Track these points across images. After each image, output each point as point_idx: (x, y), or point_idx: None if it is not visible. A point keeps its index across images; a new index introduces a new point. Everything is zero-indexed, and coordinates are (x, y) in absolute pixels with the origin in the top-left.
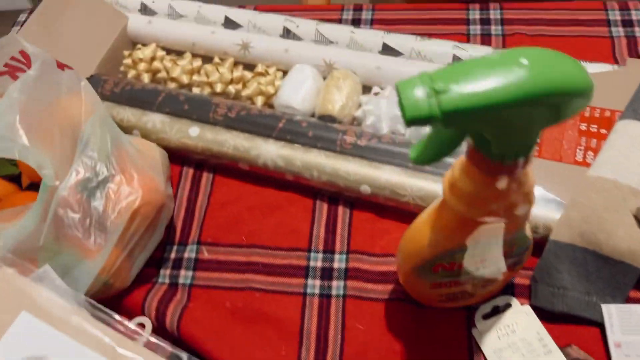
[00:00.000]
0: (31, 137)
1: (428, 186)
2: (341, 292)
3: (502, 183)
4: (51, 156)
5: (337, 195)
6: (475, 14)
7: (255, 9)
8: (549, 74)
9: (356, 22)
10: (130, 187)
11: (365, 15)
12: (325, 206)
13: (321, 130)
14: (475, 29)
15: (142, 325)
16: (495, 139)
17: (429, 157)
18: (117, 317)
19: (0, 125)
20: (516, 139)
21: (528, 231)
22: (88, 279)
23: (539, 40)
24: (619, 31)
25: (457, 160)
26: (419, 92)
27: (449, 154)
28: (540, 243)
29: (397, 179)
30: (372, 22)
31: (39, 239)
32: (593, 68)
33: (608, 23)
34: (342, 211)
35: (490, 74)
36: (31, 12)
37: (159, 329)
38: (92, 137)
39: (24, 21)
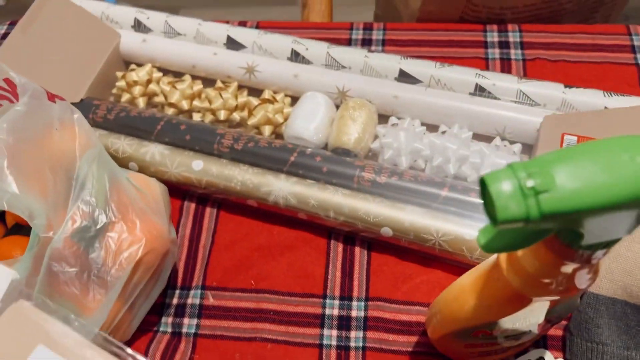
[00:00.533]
0: (21, 182)
1: (456, 230)
2: (360, 344)
3: (573, 267)
4: (43, 202)
5: (353, 234)
6: (493, 36)
7: (257, 25)
8: None
9: (367, 42)
10: (132, 236)
11: (377, 35)
12: (340, 246)
13: (336, 165)
14: (494, 52)
15: None
16: (588, 235)
17: (503, 246)
18: (129, 350)
19: None
20: (611, 233)
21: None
22: (87, 336)
23: (561, 65)
24: None
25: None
26: (512, 189)
27: (526, 246)
28: None
29: (421, 222)
30: (384, 43)
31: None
32: (622, 102)
33: (633, 49)
34: (359, 252)
35: (595, 169)
36: (12, 22)
37: None
38: (89, 178)
39: (4, 34)
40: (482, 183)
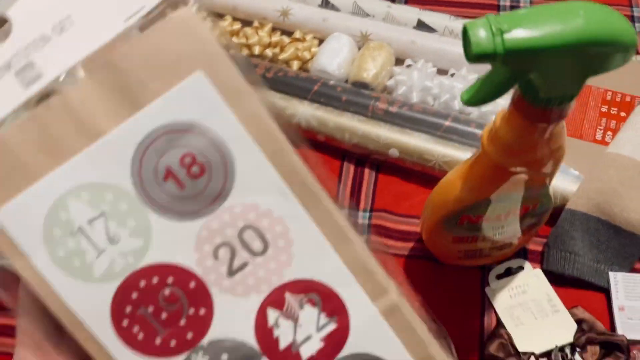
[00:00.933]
0: None
1: (454, 153)
2: None
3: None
4: None
5: (364, 157)
6: (506, 0)
7: None
8: (602, 25)
9: None
10: None
11: None
12: (352, 168)
13: (354, 96)
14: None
15: None
16: (544, 83)
17: (480, 98)
18: None
19: None
20: (562, 84)
21: (551, 191)
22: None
23: None
24: None
25: (498, 112)
26: (485, 31)
27: (498, 97)
28: (556, 213)
29: (425, 145)
30: (406, 1)
31: None
32: None
33: (632, 19)
34: (368, 173)
35: (550, 20)
36: None
37: None
38: None
39: None
40: (464, 29)
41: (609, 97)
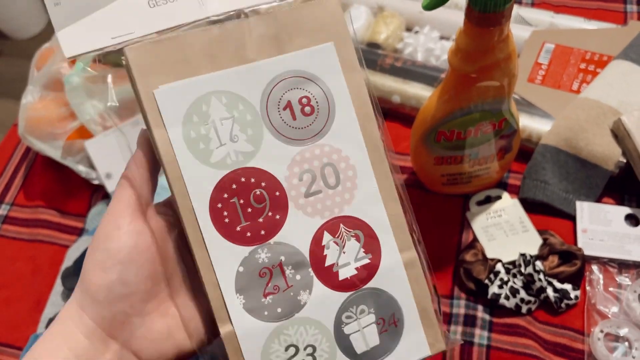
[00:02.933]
0: None
1: None
2: None
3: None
4: None
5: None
6: None
7: None
8: None
9: None
10: None
11: None
12: None
13: (366, 54)
14: None
15: None
16: None
17: (435, 3)
18: None
19: None
20: None
21: (514, 111)
22: None
23: (561, 9)
24: (632, 8)
25: (457, 31)
26: None
27: (445, 2)
28: (533, 152)
29: (422, 93)
30: None
31: None
32: (601, 25)
33: (624, 1)
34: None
35: None
36: None
37: None
38: None
39: None
40: None
41: (588, 57)
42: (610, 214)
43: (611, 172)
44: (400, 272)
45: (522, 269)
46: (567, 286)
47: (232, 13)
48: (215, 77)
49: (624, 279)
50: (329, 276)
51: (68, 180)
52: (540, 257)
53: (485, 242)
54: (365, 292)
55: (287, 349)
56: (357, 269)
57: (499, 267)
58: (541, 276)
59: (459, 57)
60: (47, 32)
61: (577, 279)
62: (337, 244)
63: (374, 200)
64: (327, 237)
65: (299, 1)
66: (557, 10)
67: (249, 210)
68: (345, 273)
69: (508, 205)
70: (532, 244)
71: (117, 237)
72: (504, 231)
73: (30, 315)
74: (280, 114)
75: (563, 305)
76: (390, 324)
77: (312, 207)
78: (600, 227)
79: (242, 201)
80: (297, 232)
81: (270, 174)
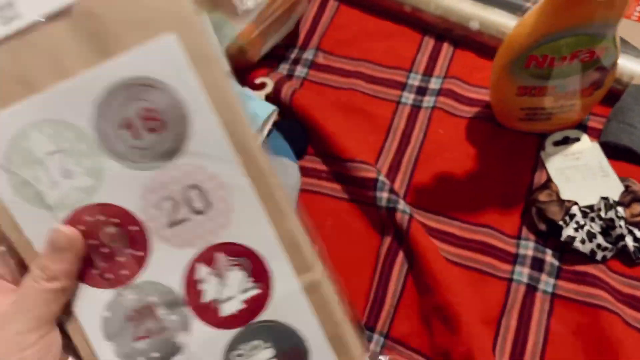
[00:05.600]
0: None
1: None
2: (431, 104)
3: None
4: None
5: (445, 33)
6: None
7: None
8: None
9: None
10: None
11: None
12: (432, 41)
13: None
14: None
15: (264, 85)
16: None
17: None
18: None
19: None
20: None
21: (617, 42)
22: (229, 39)
23: None
24: None
25: None
26: None
27: None
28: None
29: (503, 20)
30: None
31: None
32: None
33: None
34: (446, 47)
35: None
36: None
37: (275, 99)
38: None
39: None
40: None
41: None
42: None
43: None
44: (298, 298)
45: (603, 214)
46: None
47: (40, 20)
48: (32, 105)
49: None
50: (209, 313)
51: None
52: (622, 203)
53: (562, 183)
54: (257, 327)
55: None
56: (245, 301)
57: (575, 209)
58: (622, 223)
59: None
60: None
61: None
62: (215, 275)
63: (256, 220)
64: (202, 270)
65: None
66: None
67: (105, 250)
68: (229, 308)
69: (587, 147)
70: (612, 189)
71: None
72: (581, 174)
73: None
74: (120, 136)
75: None
76: (294, 358)
77: (180, 237)
78: None
79: (94, 242)
80: (165, 267)
81: (120, 207)
